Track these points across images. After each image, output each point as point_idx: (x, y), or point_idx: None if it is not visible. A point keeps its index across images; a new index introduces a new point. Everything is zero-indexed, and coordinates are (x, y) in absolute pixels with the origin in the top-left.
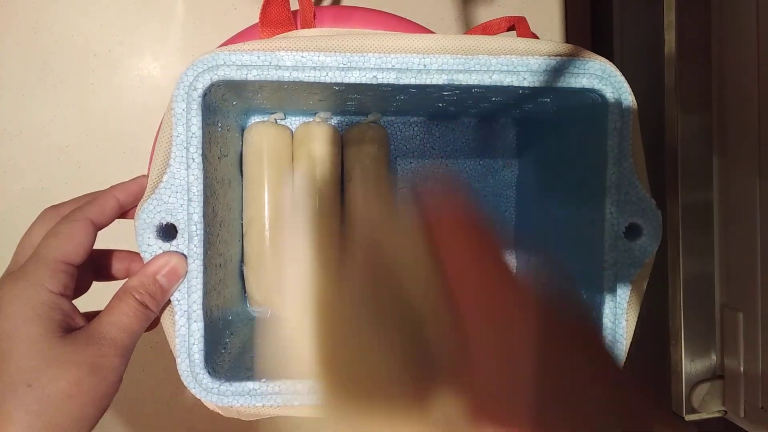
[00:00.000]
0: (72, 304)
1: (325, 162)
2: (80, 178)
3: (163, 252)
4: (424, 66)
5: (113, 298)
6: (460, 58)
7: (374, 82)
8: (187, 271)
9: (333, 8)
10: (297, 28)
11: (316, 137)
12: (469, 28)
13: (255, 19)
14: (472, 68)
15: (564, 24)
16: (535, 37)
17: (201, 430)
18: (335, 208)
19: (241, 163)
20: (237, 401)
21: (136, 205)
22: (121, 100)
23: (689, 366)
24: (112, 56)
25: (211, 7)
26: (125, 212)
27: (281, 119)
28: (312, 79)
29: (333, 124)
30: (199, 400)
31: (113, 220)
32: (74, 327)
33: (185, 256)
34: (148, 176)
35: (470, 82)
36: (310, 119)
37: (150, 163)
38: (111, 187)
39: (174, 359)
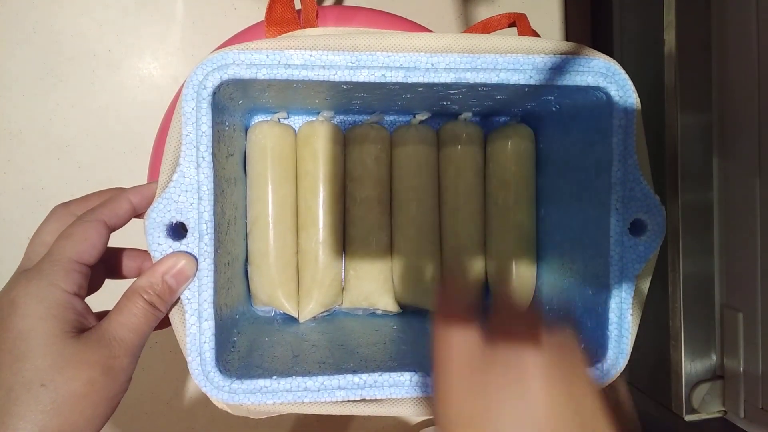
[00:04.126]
0: (85, 303)
1: (329, 161)
2: (80, 178)
3: (173, 252)
4: (432, 65)
5: (122, 297)
6: (467, 57)
7: (382, 80)
8: (196, 272)
9: (336, 8)
10: (301, 27)
11: (320, 136)
12: (469, 26)
13: (255, 19)
14: (480, 67)
15: (564, 23)
16: (536, 34)
17: (201, 430)
18: (338, 207)
19: (245, 162)
20: (248, 399)
21: None
22: (121, 100)
23: (689, 366)
24: (112, 56)
25: (211, 7)
26: (138, 215)
27: (284, 118)
28: (321, 78)
29: (335, 122)
30: (199, 400)
31: (126, 222)
32: (87, 327)
33: (195, 255)
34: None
35: (477, 81)
36: (313, 118)
37: (150, 163)
38: (125, 189)
39: (175, 359)
